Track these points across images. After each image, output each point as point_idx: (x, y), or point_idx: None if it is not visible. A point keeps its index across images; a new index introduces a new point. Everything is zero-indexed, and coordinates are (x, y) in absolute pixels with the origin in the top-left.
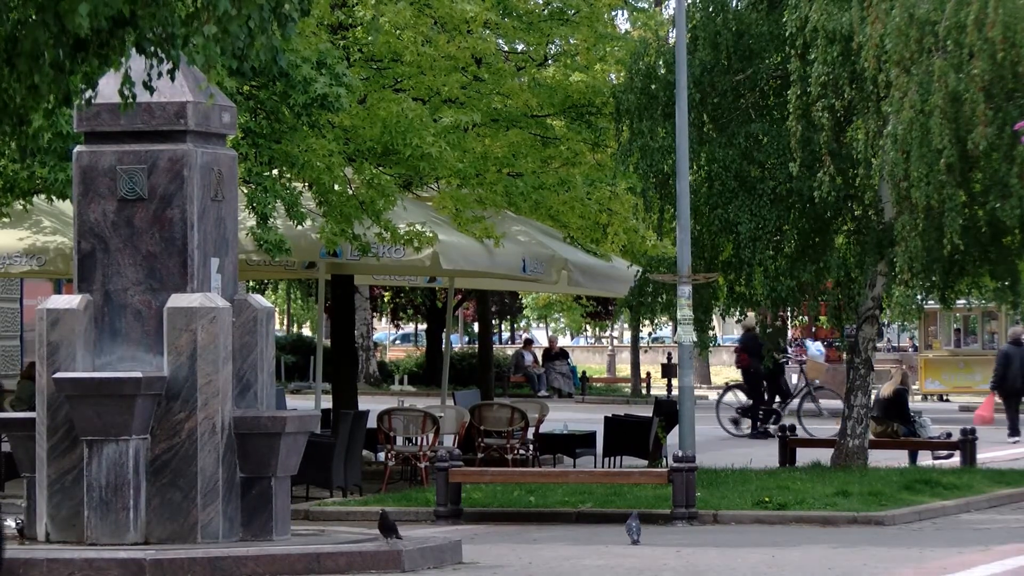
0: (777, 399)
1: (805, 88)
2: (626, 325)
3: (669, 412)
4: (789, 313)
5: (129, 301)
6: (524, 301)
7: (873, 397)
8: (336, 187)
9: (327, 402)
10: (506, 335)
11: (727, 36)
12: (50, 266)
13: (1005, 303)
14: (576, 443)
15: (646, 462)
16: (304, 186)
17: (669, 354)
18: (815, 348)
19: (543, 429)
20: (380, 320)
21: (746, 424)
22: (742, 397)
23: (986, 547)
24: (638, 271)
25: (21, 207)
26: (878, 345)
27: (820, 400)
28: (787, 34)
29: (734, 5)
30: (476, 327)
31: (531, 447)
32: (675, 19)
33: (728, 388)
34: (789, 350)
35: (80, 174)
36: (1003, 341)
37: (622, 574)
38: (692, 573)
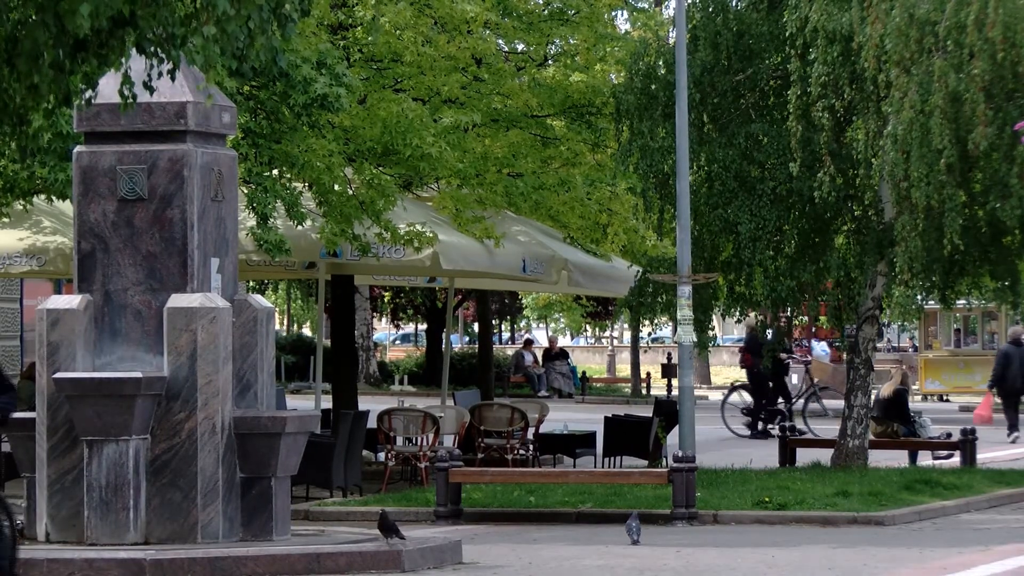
0: (781, 400)
1: (805, 88)
2: (626, 325)
3: (669, 412)
4: (789, 313)
5: (129, 301)
6: (524, 301)
7: (873, 397)
8: (336, 187)
9: (327, 402)
10: (506, 335)
11: (727, 36)
12: (50, 266)
13: (1005, 303)
14: (576, 443)
15: (646, 462)
16: (304, 186)
17: (669, 354)
18: (820, 348)
19: (543, 429)
20: (380, 320)
21: (759, 423)
22: (747, 397)
23: (986, 547)
24: (638, 271)
25: (21, 207)
26: (878, 345)
27: (825, 400)
28: (787, 34)
29: (734, 5)
30: (476, 327)
31: (531, 447)
32: (675, 19)
33: (733, 388)
34: (793, 350)
35: (80, 174)
36: (1003, 341)
37: (622, 574)
38: (692, 573)
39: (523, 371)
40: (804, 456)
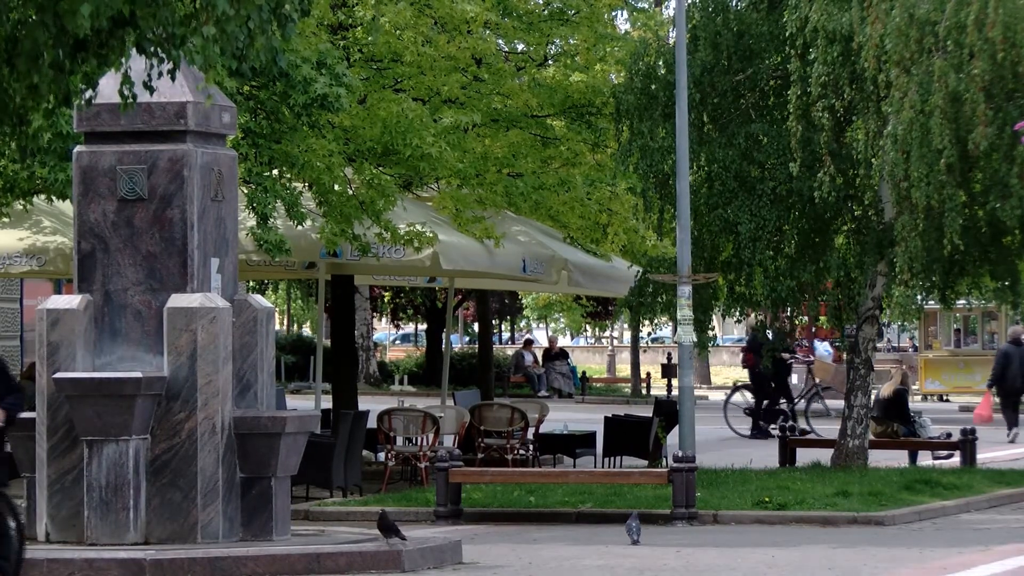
0: (783, 400)
1: (805, 88)
2: (626, 325)
3: (669, 412)
4: (790, 313)
5: (129, 301)
6: (524, 301)
7: (873, 397)
8: (336, 187)
9: (327, 402)
10: (506, 335)
11: (727, 36)
12: (50, 266)
13: (1005, 303)
14: (576, 443)
15: (646, 462)
16: (304, 186)
17: (669, 354)
18: (823, 348)
19: (543, 429)
20: (380, 320)
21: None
22: (750, 397)
23: (986, 547)
24: (638, 272)
25: (21, 207)
26: (878, 345)
27: (827, 400)
28: (787, 34)
29: (734, 5)
30: (476, 327)
31: (531, 447)
32: (675, 19)
33: (736, 388)
34: (796, 351)
35: (80, 174)
36: (1003, 341)
37: (622, 574)
38: (692, 573)
39: (523, 371)
40: (804, 456)
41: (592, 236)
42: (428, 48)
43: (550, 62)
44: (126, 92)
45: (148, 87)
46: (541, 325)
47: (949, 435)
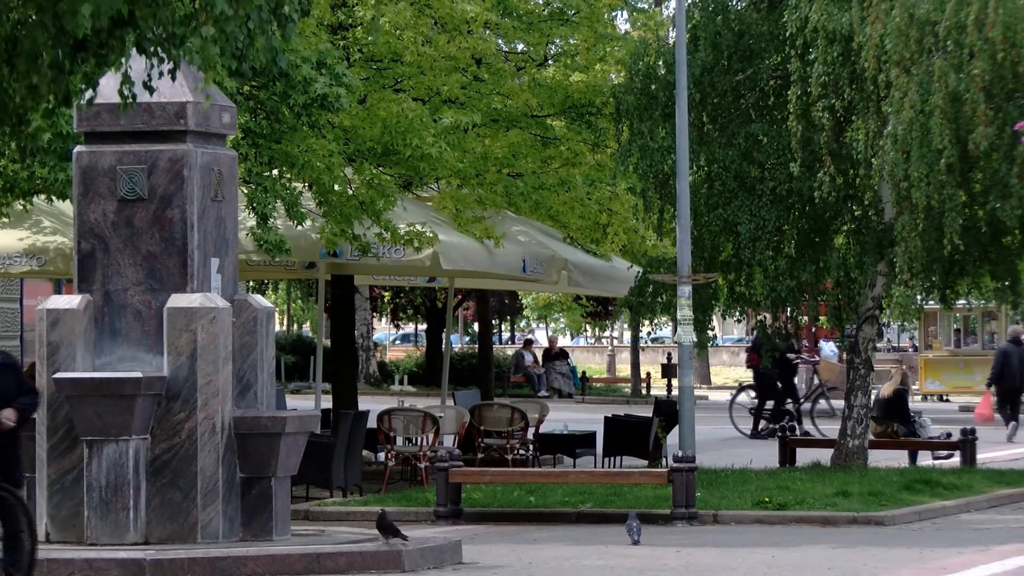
0: (788, 400)
1: (805, 88)
2: (626, 325)
3: (669, 412)
4: (789, 313)
5: (129, 301)
6: (524, 301)
7: (873, 397)
8: (336, 187)
9: (327, 402)
10: (506, 335)
11: (727, 36)
12: (50, 266)
13: (1005, 303)
14: (576, 443)
15: (646, 462)
16: (304, 186)
17: (669, 354)
18: (828, 348)
19: (543, 429)
20: (380, 320)
21: (760, 424)
22: (754, 397)
23: (986, 547)
24: (638, 272)
25: (21, 207)
26: (878, 345)
27: (833, 400)
28: (787, 34)
29: (734, 5)
30: (476, 327)
31: (531, 447)
32: (675, 19)
33: (741, 388)
34: (801, 351)
35: (80, 174)
36: (1003, 341)
37: (622, 574)
38: (692, 573)
39: (523, 371)
40: (804, 456)
41: (592, 236)
42: (428, 48)
43: (550, 62)
44: (126, 92)
45: (148, 87)
46: (541, 325)
47: (949, 435)
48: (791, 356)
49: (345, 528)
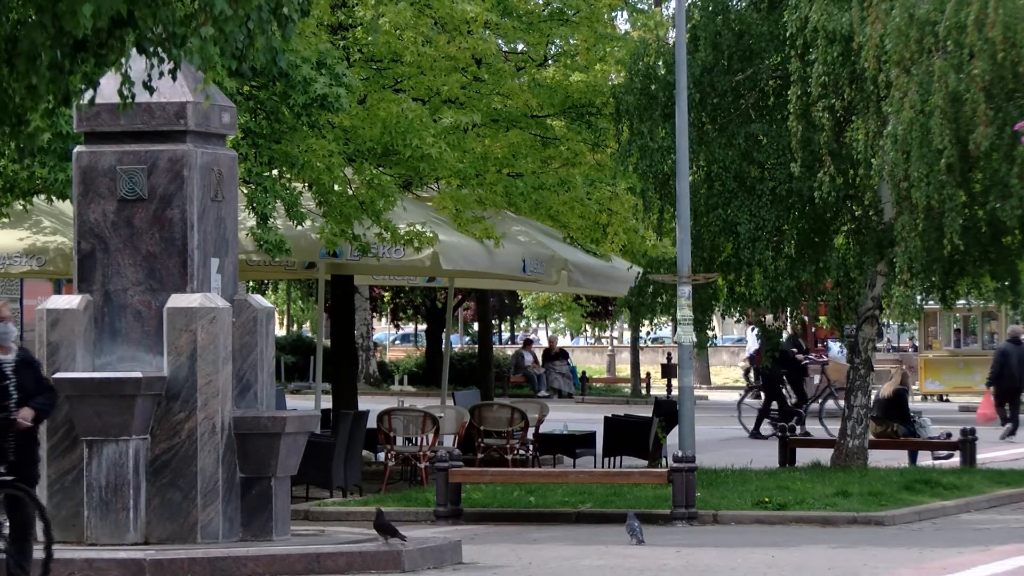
0: (794, 401)
1: (805, 88)
2: (626, 325)
3: (669, 412)
4: (789, 313)
5: (129, 301)
6: (524, 301)
7: (873, 397)
8: (336, 187)
9: (327, 402)
10: (506, 335)
11: (727, 36)
12: (50, 266)
13: (1005, 303)
14: (576, 443)
15: (646, 462)
16: (304, 186)
17: (669, 354)
18: (837, 349)
19: (543, 429)
20: (380, 320)
21: (763, 424)
22: (762, 398)
23: (986, 547)
24: (638, 272)
25: (21, 207)
26: (878, 345)
27: (842, 401)
28: (787, 34)
29: (734, 5)
30: (476, 327)
31: (531, 447)
32: (675, 19)
33: (750, 388)
34: (809, 351)
35: (80, 174)
36: (1003, 341)
37: (622, 574)
38: (692, 573)
39: (523, 371)
40: (804, 456)
41: (592, 236)
42: (428, 48)
43: (550, 62)
44: (126, 92)
45: (148, 87)
46: (541, 325)
47: (949, 435)
48: (800, 357)
49: (345, 528)
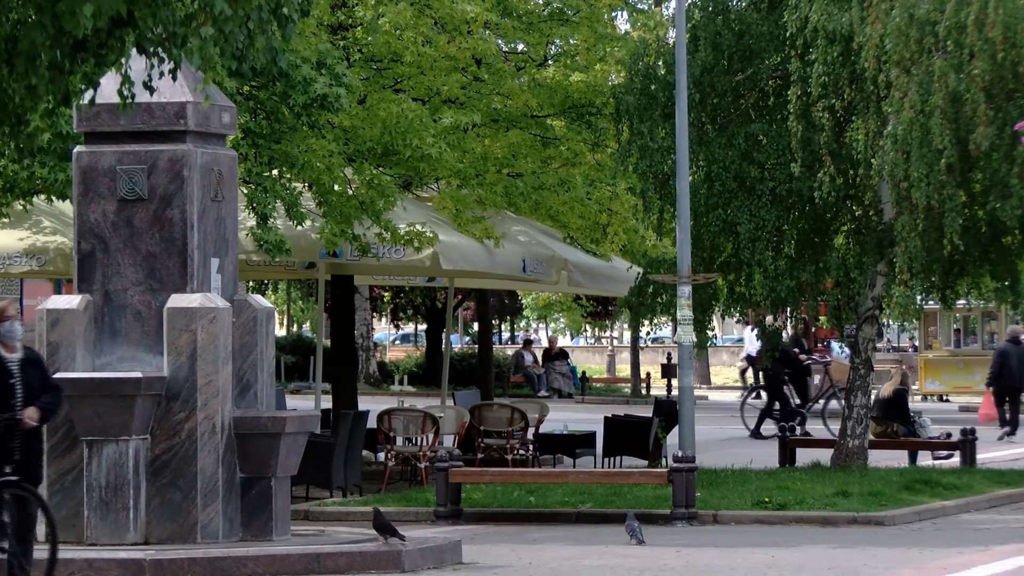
0: (797, 401)
1: (805, 88)
2: (626, 325)
3: (669, 412)
4: (789, 313)
5: (129, 301)
6: (524, 301)
7: (873, 397)
8: (336, 187)
9: (327, 402)
10: (506, 335)
11: (727, 36)
12: (50, 266)
13: (1005, 303)
14: (576, 443)
15: (646, 462)
16: (304, 186)
17: (669, 354)
18: (839, 349)
19: (543, 429)
20: (380, 320)
21: (764, 424)
22: (765, 398)
23: (986, 547)
24: (638, 272)
25: (21, 207)
26: (878, 345)
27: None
28: (787, 34)
29: (734, 5)
30: (476, 327)
31: (531, 447)
32: (675, 19)
33: (753, 389)
34: (812, 352)
35: (80, 174)
36: (1003, 341)
37: (622, 574)
38: (692, 573)
39: (523, 371)
40: (804, 456)
41: (592, 236)
42: (428, 48)
43: (550, 62)
44: (125, 92)
45: (148, 87)
46: (541, 325)
47: (949, 435)
48: (802, 357)
49: (345, 528)
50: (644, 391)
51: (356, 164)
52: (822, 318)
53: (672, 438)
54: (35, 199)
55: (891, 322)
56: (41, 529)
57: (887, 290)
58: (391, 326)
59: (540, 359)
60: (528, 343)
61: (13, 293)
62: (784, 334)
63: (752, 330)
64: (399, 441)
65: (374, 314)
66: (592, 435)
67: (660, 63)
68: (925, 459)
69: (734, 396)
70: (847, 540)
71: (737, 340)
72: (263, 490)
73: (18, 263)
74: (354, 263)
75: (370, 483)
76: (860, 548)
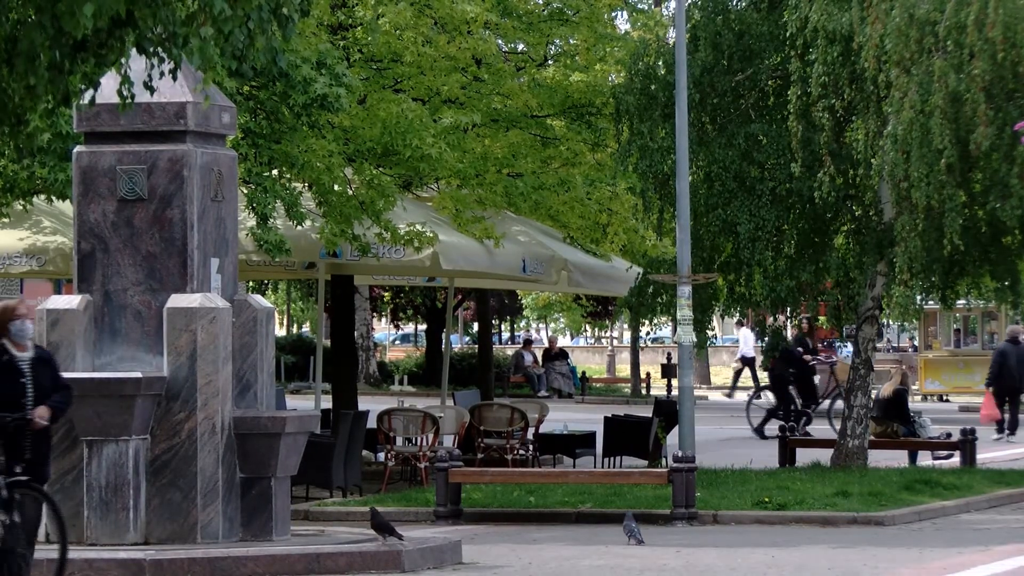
0: (802, 401)
1: (805, 88)
2: (626, 325)
3: (669, 412)
4: (788, 314)
5: (129, 301)
6: (524, 301)
7: (873, 397)
8: (336, 187)
9: (327, 402)
10: (506, 335)
11: (727, 36)
12: (50, 266)
13: (1005, 303)
14: (576, 443)
15: (646, 462)
16: (304, 186)
17: (669, 354)
18: (846, 349)
19: (543, 429)
20: (380, 320)
21: (768, 424)
22: (773, 398)
23: (986, 547)
24: (638, 272)
25: (21, 207)
26: (878, 345)
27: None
28: (787, 34)
29: (734, 5)
30: (476, 327)
31: (531, 447)
32: (675, 19)
33: (759, 389)
34: (818, 351)
35: (80, 174)
36: (1002, 341)
37: (622, 574)
38: (692, 573)
39: (523, 371)
40: (804, 456)
41: (592, 236)
42: (428, 48)
43: (550, 62)
44: (125, 92)
45: (148, 87)
46: (541, 325)
47: (949, 435)
48: (807, 357)
49: (345, 528)
50: (644, 391)
51: (356, 164)
52: (821, 318)
53: (672, 438)
54: (35, 199)
55: (891, 322)
56: (41, 529)
57: (887, 290)
58: (391, 326)
59: (540, 359)
60: (528, 343)
61: (13, 293)
62: (786, 334)
63: (753, 329)
64: (399, 441)
65: (374, 314)
66: (592, 435)
67: (660, 63)
68: (925, 459)
69: (735, 396)
70: (847, 540)
71: (736, 340)
72: (263, 490)
73: (18, 263)
74: (354, 263)
75: (370, 483)
76: (860, 548)
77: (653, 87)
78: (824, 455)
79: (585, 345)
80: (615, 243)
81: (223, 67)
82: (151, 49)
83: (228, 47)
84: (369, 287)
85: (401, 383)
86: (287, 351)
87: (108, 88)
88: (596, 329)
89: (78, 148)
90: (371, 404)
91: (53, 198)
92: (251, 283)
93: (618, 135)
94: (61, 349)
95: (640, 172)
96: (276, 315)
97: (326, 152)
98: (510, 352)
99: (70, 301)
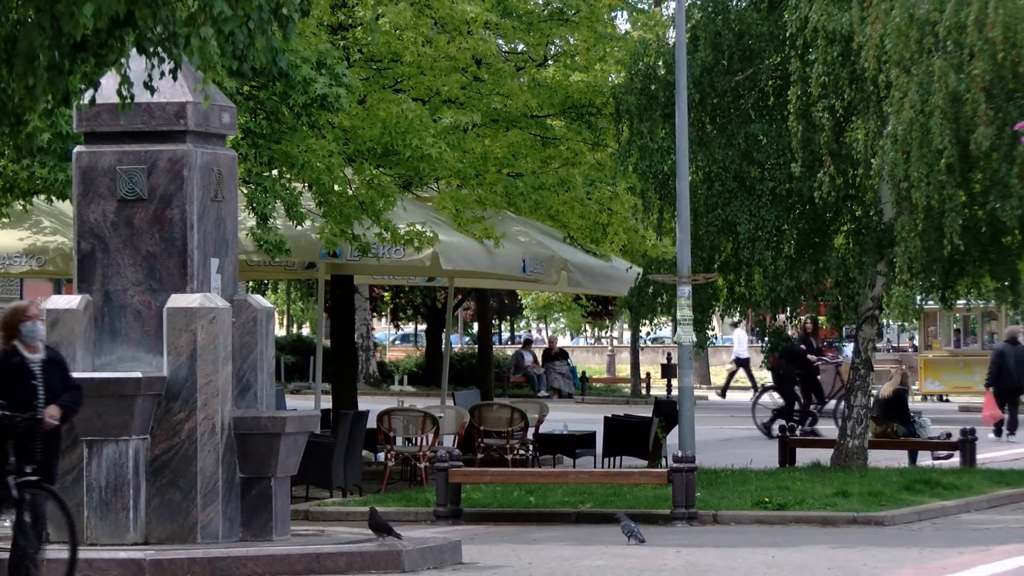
0: (803, 401)
1: (805, 88)
2: (626, 325)
3: (669, 412)
4: (789, 313)
5: (129, 301)
6: (524, 301)
7: (873, 397)
8: (336, 187)
9: (327, 402)
10: (506, 335)
11: (727, 36)
12: (50, 266)
13: (1005, 303)
14: (576, 443)
15: (646, 462)
16: (304, 186)
17: (669, 354)
18: (848, 350)
19: (543, 429)
20: (380, 320)
21: (775, 424)
22: (778, 399)
23: (986, 547)
24: (638, 272)
25: (21, 207)
26: (878, 345)
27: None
28: (787, 34)
29: (734, 5)
30: (476, 327)
31: (531, 447)
32: (675, 19)
33: (764, 389)
34: (823, 351)
35: (80, 174)
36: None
37: (622, 574)
38: (692, 573)
39: (523, 371)
40: (804, 456)
41: (592, 236)
42: (428, 48)
43: (550, 62)
44: (125, 92)
45: (148, 87)
46: (541, 325)
47: (949, 435)
48: (811, 357)
49: (345, 528)
50: (644, 391)
51: (356, 164)
52: (821, 318)
53: (672, 438)
54: (35, 199)
55: (891, 322)
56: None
57: (887, 290)
58: (391, 326)
59: (540, 359)
60: (528, 343)
61: (13, 293)
62: (787, 334)
63: (753, 329)
64: (399, 441)
65: (374, 314)
66: (592, 435)
67: (660, 63)
68: (925, 459)
69: (735, 396)
70: (847, 540)
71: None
72: (263, 490)
73: (18, 263)
74: (354, 263)
75: (370, 483)
76: (860, 548)
77: (653, 87)
78: (824, 455)
79: (585, 345)
80: (615, 243)
81: (223, 67)
82: (151, 49)
83: (228, 47)
84: (369, 287)
85: (401, 383)
86: (287, 351)
87: (108, 88)
88: (596, 329)
89: (78, 148)
90: (371, 404)
91: (53, 198)
92: (251, 283)
93: (618, 135)
94: (61, 349)
95: (640, 172)
96: (276, 315)
97: (326, 152)
98: (510, 352)
99: (70, 301)
